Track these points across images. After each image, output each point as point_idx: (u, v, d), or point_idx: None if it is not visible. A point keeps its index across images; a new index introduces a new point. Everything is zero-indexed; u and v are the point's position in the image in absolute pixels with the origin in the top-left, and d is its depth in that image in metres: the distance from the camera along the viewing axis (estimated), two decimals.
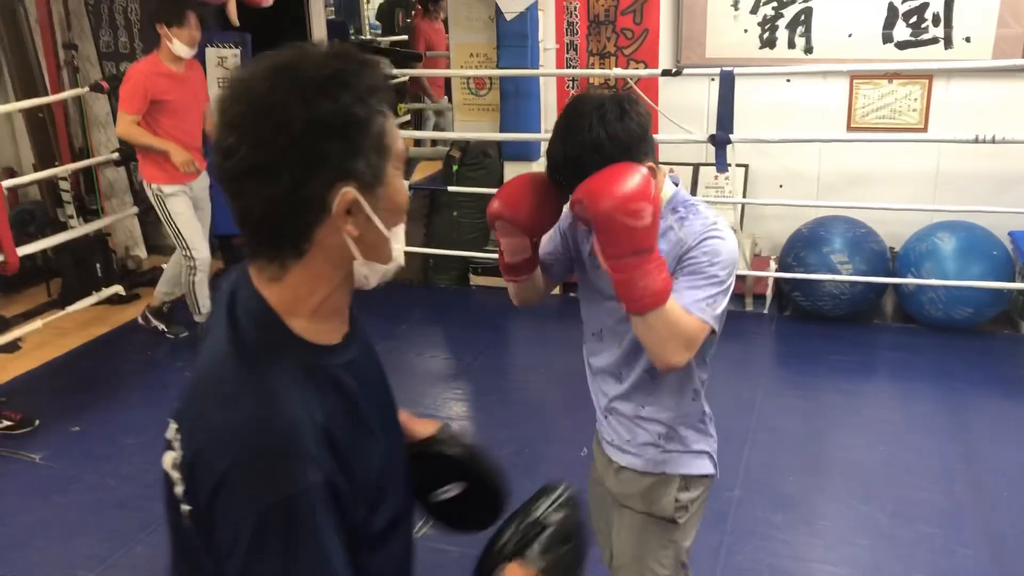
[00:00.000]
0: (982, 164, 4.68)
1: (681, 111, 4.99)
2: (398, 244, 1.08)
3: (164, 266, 5.33)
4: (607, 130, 1.67)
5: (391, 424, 1.20)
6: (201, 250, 4.62)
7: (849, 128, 4.90)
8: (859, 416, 3.91)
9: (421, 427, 1.30)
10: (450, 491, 1.30)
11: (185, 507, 1.03)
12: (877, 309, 4.97)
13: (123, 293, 5.19)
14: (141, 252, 6.20)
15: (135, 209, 5.54)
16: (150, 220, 6.24)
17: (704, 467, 1.97)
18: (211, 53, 5.49)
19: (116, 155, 5.18)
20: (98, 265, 5.42)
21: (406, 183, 1.14)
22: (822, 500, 3.31)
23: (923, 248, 4.65)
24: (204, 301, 4.68)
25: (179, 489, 1.03)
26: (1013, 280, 4.55)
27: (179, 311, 4.94)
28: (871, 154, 4.85)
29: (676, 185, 1.88)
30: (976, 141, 4.28)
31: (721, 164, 4.61)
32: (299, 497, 0.94)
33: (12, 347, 4.67)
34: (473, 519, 1.36)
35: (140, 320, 4.97)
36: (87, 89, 5.12)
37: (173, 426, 1.07)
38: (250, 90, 0.97)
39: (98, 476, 3.60)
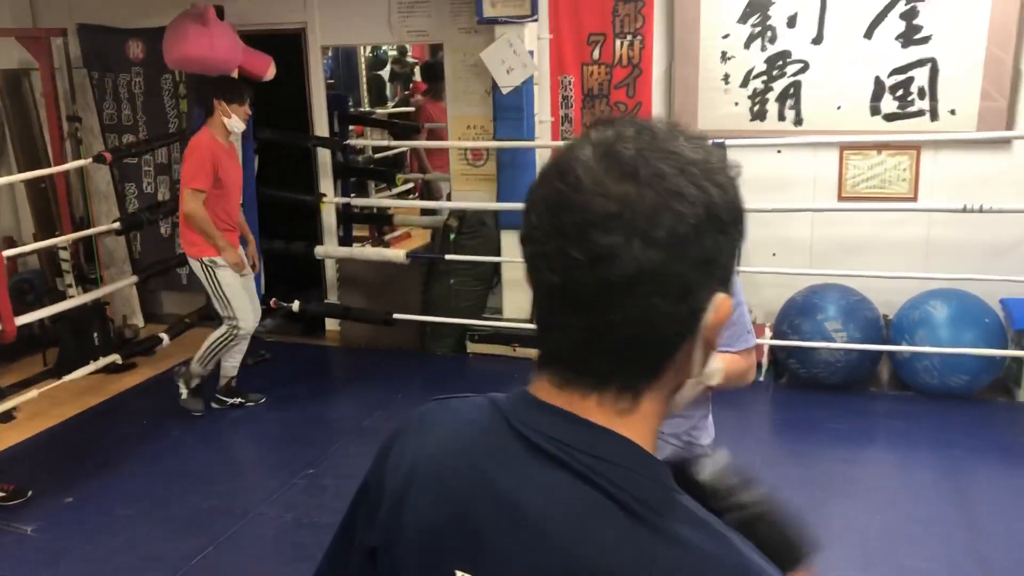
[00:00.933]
0: (972, 233, 4.75)
1: None
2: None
3: (162, 335, 5.33)
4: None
5: None
6: (248, 320, 4.71)
7: (840, 198, 4.98)
8: (858, 484, 3.90)
9: None
10: None
11: None
12: (873, 376, 4.98)
13: (120, 362, 5.19)
14: (138, 320, 6.22)
15: (134, 278, 5.57)
16: (148, 289, 6.29)
17: None
18: None
19: (117, 224, 5.23)
20: (96, 334, 5.44)
21: None
22: (823, 570, 3.27)
23: (916, 316, 4.69)
24: (228, 367, 4.79)
25: None
26: (1006, 347, 4.59)
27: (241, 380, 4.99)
28: (863, 223, 4.93)
29: None
30: (964, 211, 4.36)
31: None
32: None
33: (7, 417, 4.65)
34: None
35: (214, 404, 4.92)
36: (90, 160, 5.20)
37: None
38: (631, 174, 0.75)
39: (91, 548, 3.56)
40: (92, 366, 4.94)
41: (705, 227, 0.75)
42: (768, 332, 4.97)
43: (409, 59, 9.85)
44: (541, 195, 0.79)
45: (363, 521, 0.93)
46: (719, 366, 0.87)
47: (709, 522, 0.78)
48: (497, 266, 5.60)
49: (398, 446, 0.92)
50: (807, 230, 5.10)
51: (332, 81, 8.62)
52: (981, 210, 4.33)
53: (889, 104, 4.83)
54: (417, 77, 9.75)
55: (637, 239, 0.73)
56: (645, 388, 0.80)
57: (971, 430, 4.34)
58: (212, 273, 4.59)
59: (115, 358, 5.12)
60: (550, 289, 0.79)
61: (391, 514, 0.88)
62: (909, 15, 4.69)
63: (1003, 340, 4.59)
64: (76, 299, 5.21)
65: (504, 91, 5.12)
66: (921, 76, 4.74)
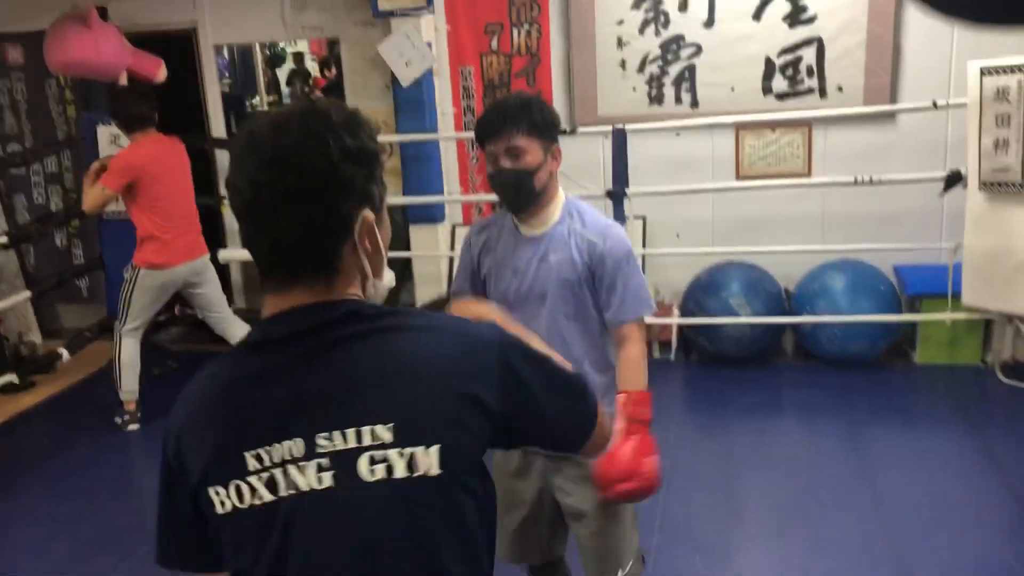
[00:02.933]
0: (864, 204, 4.93)
1: (578, 168, 5.10)
2: (389, 269, 1.29)
3: (61, 350, 5.14)
4: (537, 116, 2.12)
5: None
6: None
7: (738, 176, 5.10)
8: (769, 455, 4.02)
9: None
10: None
11: (434, 470, 1.10)
12: (778, 348, 5.14)
13: (17, 381, 4.98)
14: (36, 337, 5.97)
15: (27, 293, 5.34)
16: (45, 303, 6.05)
17: None
18: (103, 131, 5.40)
19: (4, 239, 5.00)
20: None
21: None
22: (739, 540, 3.37)
23: (816, 287, 4.85)
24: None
25: (402, 469, 1.09)
26: (900, 312, 4.78)
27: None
28: (761, 201, 5.06)
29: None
30: (856, 183, 4.52)
31: (619, 217, 4.73)
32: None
33: None
34: None
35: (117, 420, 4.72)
36: None
37: (342, 433, 1.10)
38: (287, 131, 1.11)
39: None
40: None
41: (341, 163, 1.10)
42: (676, 311, 5.07)
43: (308, 55, 9.70)
44: (237, 150, 1.14)
45: (181, 496, 1.18)
46: (390, 278, 1.28)
47: (428, 313, 1.25)
48: (408, 261, 5.57)
49: (174, 427, 1.20)
50: (708, 210, 5.21)
51: (229, 80, 8.43)
52: (871, 182, 4.49)
53: (780, 84, 4.97)
54: (316, 73, 9.61)
55: (291, 173, 1.09)
56: (332, 277, 1.15)
57: (872, 394, 4.52)
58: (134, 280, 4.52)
59: (12, 378, 4.91)
60: (246, 213, 1.14)
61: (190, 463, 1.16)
62: None
63: (898, 305, 4.79)
64: None
65: (404, 84, 5.08)
66: (809, 55, 4.89)
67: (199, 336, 5.90)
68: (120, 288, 4.58)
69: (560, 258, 2.17)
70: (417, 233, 5.45)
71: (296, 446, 1.10)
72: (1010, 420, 4.25)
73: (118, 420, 4.65)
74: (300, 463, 1.09)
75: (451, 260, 5.49)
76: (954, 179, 4.39)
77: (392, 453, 1.08)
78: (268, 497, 1.10)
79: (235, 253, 5.79)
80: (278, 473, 1.10)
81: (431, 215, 5.42)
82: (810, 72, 4.92)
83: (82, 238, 6.02)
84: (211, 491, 1.13)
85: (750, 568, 3.20)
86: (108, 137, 5.42)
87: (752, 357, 4.94)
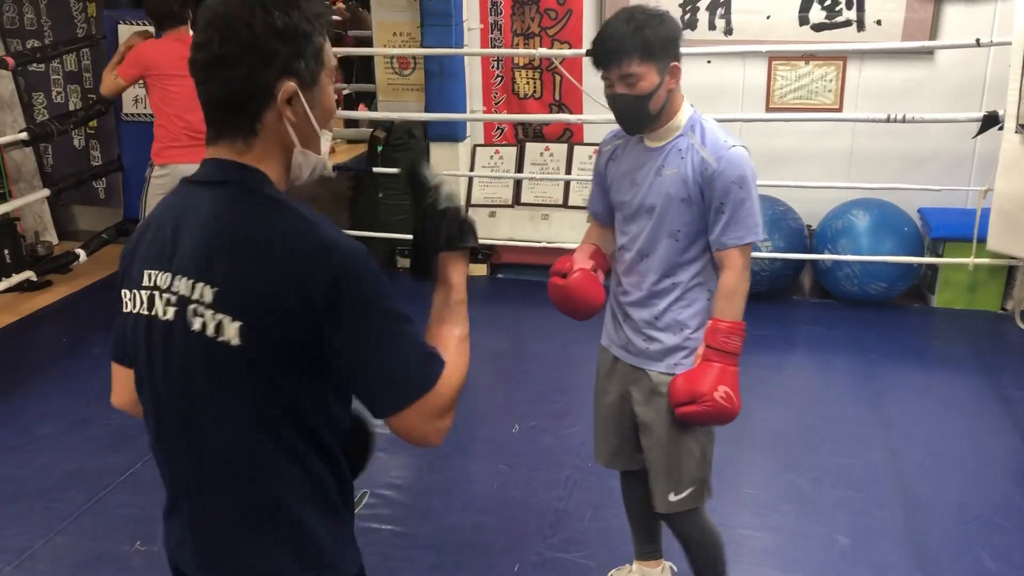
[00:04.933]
0: (893, 143, 4.84)
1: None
2: (326, 143, 1.35)
3: (78, 251, 5.16)
4: (653, 31, 2.05)
5: None
6: None
7: (768, 108, 5.01)
8: (781, 388, 4.02)
9: None
10: None
11: (235, 341, 1.21)
12: (796, 285, 5.11)
13: (35, 279, 5.00)
14: (52, 237, 5.99)
15: (45, 192, 5.33)
16: (61, 203, 6.04)
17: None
18: (124, 30, 5.31)
19: (24, 135, 4.96)
20: (6, 252, 5.21)
21: (334, 93, 1.39)
22: (747, 470, 3.40)
23: (838, 225, 4.80)
24: None
25: (211, 330, 1.22)
26: (922, 254, 4.73)
27: None
28: (789, 134, 4.97)
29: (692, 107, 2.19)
30: (888, 121, 4.42)
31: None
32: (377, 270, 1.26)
33: None
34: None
35: None
36: None
37: (187, 281, 1.24)
38: (226, 2, 1.24)
39: (12, 468, 3.47)
40: (4, 284, 4.75)
41: (264, 36, 1.21)
42: None
43: None
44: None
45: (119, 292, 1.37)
46: (324, 154, 1.34)
47: (302, 210, 1.26)
48: None
49: (133, 235, 1.41)
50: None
51: None
52: (904, 120, 4.40)
53: (817, 14, 4.84)
54: None
55: (217, 38, 1.22)
56: (252, 140, 1.27)
57: (887, 335, 4.50)
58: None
59: (29, 275, 4.92)
60: (191, 71, 1.26)
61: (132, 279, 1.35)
62: None
63: (920, 248, 4.74)
64: None
65: None
66: None
67: None
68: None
69: (673, 173, 2.12)
70: (437, 151, 5.38)
71: (163, 278, 1.28)
72: None
73: None
74: (163, 293, 1.28)
75: (470, 180, 5.44)
76: (990, 121, 4.29)
77: (208, 313, 1.23)
78: (144, 312, 1.30)
79: None
80: (155, 294, 1.29)
81: (452, 133, 5.35)
82: (849, 4, 4.78)
83: (100, 139, 5.97)
84: (122, 291, 1.36)
85: (758, 497, 3.22)
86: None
87: (770, 293, 4.91)
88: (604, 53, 2.07)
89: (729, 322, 2.13)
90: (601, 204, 2.36)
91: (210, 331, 1.22)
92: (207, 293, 1.22)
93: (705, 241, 2.16)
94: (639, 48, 2.02)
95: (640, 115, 2.10)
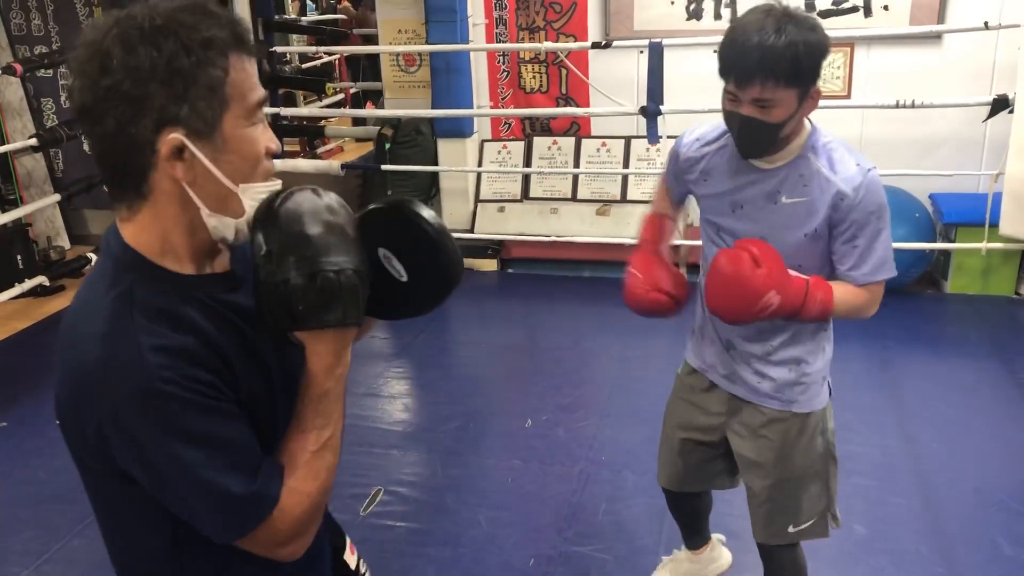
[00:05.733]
0: (903, 129, 4.81)
1: (611, 84, 5.02)
2: (252, 201, 1.08)
3: (90, 254, 5.18)
4: (804, 38, 1.68)
5: (289, 359, 1.19)
6: None
7: None
8: None
9: None
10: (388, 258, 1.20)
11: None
12: None
13: (47, 284, 5.02)
14: (64, 242, 6.02)
15: (56, 197, 5.34)
16: (72, 208, 6.07)
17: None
18: None
19: (34, 141, 4.98)
20: (19, 257, 5.24)
21: (269, 134, 1.11)
22: None
23: None
24: None
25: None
26: (934, 240, 4.70)
27: None
28: None
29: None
30: (897, 106, 4.39)
31: (652, 136, 4.65)
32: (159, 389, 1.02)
33: None
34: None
35: None
36: None
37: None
38: (91, 39, 1.01)
39: (29, 471, 3.49)
40: (17, 289, 4.77)
41: (128, 79, 0.98)
42: None
43: None
44: None
45: None
46: (247, 214, 1.08)
47: (122, 314, 1.04)
48: (435, 175, 5.52)
49: None
50: None
51: None
52: (913, 105, 4.37)
53: (823, 0, 4.80)
54: None
55: (79, 81, 1.00)
56: (139, 205, 1.06)
57: (901, 322, 4.47)
58: None
59: (42, 280, 4.95)
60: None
61: None
62: None
63: (932, 234, 4.71)
64: None
65: None
66: None
67: None
68: None
69: (795, 203, 1.82)
70: (445, 147, 5.38)
71: None
72: None
73: None
74: None
75: (479, 176, 5.44)
76: (1001, 105, 4.25)
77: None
78: None
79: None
80: None
81: (460, 129, 5.34)
82: None
83: None
84: None
85: None
86: None
87: None
88: (743, 70, 1.69)
89: (831, 297, 1.80)
90: (677, 194, 2.13)
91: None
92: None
93: (828, 272, 1.89)
94: (787, 70, 1.67)
95: (765, 142, 1.79)
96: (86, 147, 5.96)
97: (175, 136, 1.01)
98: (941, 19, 4.65)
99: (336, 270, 1.05)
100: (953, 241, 4.70)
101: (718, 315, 1.85)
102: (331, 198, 1.12)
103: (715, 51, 1.82)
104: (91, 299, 1.08)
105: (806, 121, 1.85)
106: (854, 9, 4.77)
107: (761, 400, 2.06)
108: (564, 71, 5.25)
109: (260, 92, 1.09)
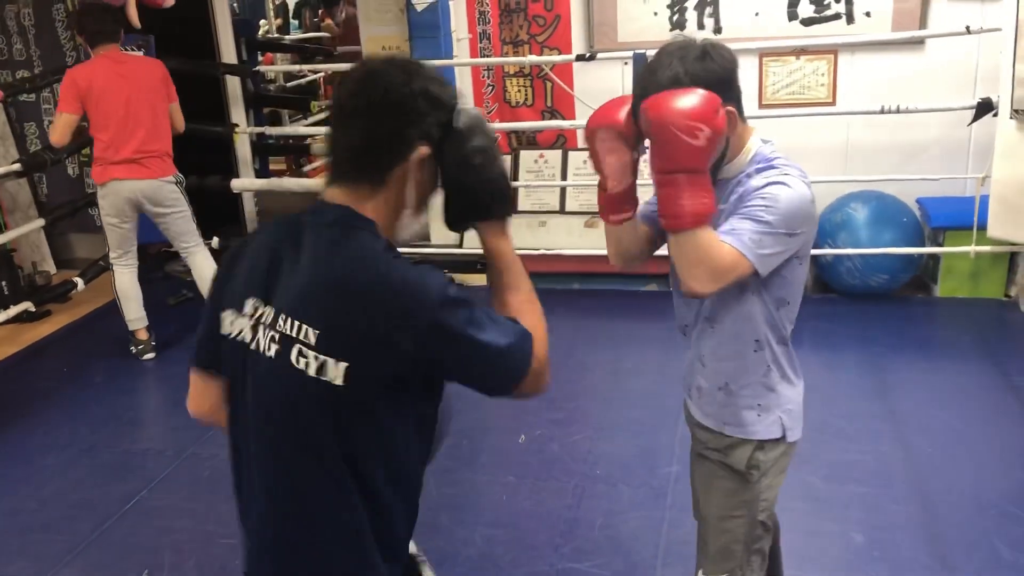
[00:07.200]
0: (889, 134, 4.83)
1: (597, 96, 4.96)
2: (422, 219, 1.44)
3: (76, 279, 5.13)
4: (686, 68, 1.69)
5: None
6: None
7: (761, 105, 4.99)
8: None
9: None
10: None
11: (338, 381, 1.28)
12: None
13: (33, 310, 4.98)
14: (50, 267, 5.97)
15: (41, 222, 5.31)
16: (57, 232, 6.02)
17: (769, 430, 1.94)
18: None
19: (17, 166, 4.95)
20: (4, 283, 5.19)
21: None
22: None
23: (838, 219, 4.78)
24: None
25: (314, 370, 1.29)
26: (923, 245, 4.71)
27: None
28: (784, 130, 4.90)
29: (766, 143, 1.86)
30: (882, 112, 4.41)
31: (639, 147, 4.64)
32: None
33: None
34: None
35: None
36: None
37: (291, 321, 1.32)
38: (371, 68, 1.38)
39: (17, 500, 3.45)
40: (3, 315, 4.73)
41: (419, 97, 1.34)
42: None
43: None
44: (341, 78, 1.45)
45: (212, 307, 1.47)
46: (417, 226, 1.44)
47: (400, 257, 1.34)
48: None
49: (232, 251, 1.50)
50: None
51: (237, 4, 8.25)
52: (898, 110, 4.38)
53: (806, 8, 4.82)
54: None
55: (378, 88, 1.35)
56: (376, 189, 1.37)
57: (891, 327, 4.48)
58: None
59: (27, 306, 4.91)
60: (334, 118, 1.40)
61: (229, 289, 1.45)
62: None
63: (920, 238, 4.72)
64: None
65: (418, 8, 4.95)
66: None
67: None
68: None
69: (720, 210, 1.78)
70: None
71: (269, 313, 1.35)
72: None
73: (133, 349, 4.65)
74: (267, 329, 1.35)
75: None
76: (985, 108, 4.27)
77: (311, 354, 1.29)
78: (246, 340, 1.37)
79: (248, 182, 5.74)
80: (259, 327, 1.36)
81: None
82: None
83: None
84: (223, 312, 1.42)
85: None
86: None
87: None
88: (635, 107, 1.73)
89: (707, 212, 1.66)
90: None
91: (312, 371, 1.29)
92: (311, 335, 1.30)
93: (766, 299, 1.85)
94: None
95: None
96: (69, 171, 5.94)
97: (426, 148, 1.36)
98: (923, 24, 4.68)
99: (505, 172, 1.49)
100: (942, 245, 4.71)
101: (653, 104, 1.64)
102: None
103: None
104: (367, 251, 1.33)
105: (752, 142, 1.83)
106: (837, 16, 4.79)
107: (702, 419, 2.02)
108: (549, 84, 5.25)
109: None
